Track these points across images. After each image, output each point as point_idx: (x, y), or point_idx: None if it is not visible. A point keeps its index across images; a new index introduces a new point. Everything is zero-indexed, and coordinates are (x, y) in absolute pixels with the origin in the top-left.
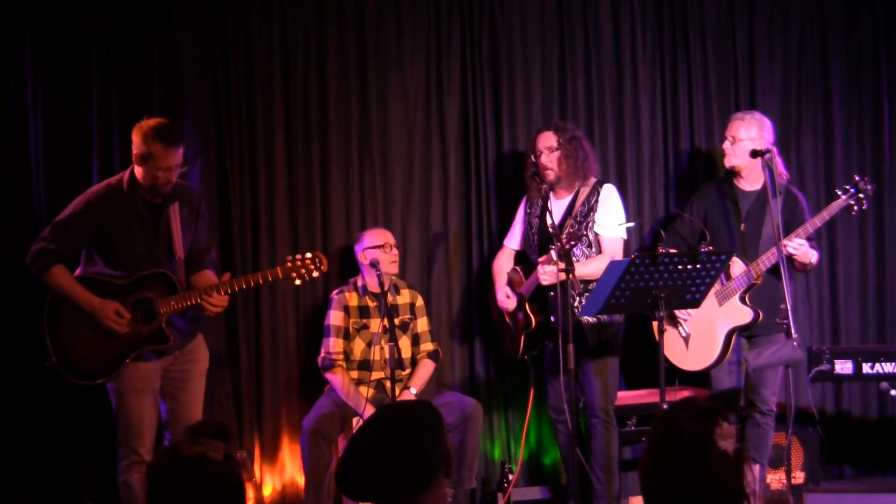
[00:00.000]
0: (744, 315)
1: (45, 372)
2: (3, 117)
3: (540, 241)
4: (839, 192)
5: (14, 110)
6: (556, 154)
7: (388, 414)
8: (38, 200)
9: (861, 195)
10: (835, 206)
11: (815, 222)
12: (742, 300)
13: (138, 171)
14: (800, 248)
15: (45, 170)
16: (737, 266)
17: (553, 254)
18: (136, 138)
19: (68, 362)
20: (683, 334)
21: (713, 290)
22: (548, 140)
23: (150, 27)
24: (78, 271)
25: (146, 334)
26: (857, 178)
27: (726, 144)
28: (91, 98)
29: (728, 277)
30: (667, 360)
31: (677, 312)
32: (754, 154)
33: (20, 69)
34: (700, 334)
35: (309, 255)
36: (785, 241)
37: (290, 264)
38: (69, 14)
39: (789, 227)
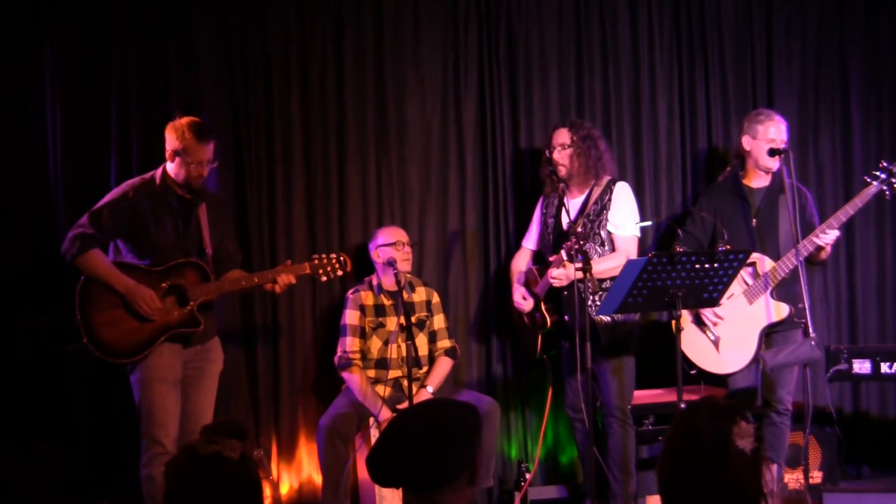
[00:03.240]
0: (779, 311)
1: (71, 354)
2: (21, 115)
3: (554, 241)
4: (868, 179)
5: (32, 108)
6: (569, 151)
7: (424, 409)
8: (57, 197)
9: (893, 179)
10: (867, 193)
11: (848, 210)
12: (772, 295)
13: (171, 167)
14: (832, 238)
15: (63, 167)
16: (765, 263)
17: (563, 253)
18: (169, 135)
19: (99, 341)
20: (712, 338)
21: (742, 290)
22: (561, 136)
23: (168, 27)
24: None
25: (178, 318)
26: (884, 164)
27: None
28: (109, 96)
29: (757, 275)
30: (693, 365)
31: (705, 316)
32: (772, 153)
33: (39, 67)
34: (732, 336)
35: (334, 254)
36: (817, 232)
37: (316, 261)
38: (87, 13)
39: (803, 225)
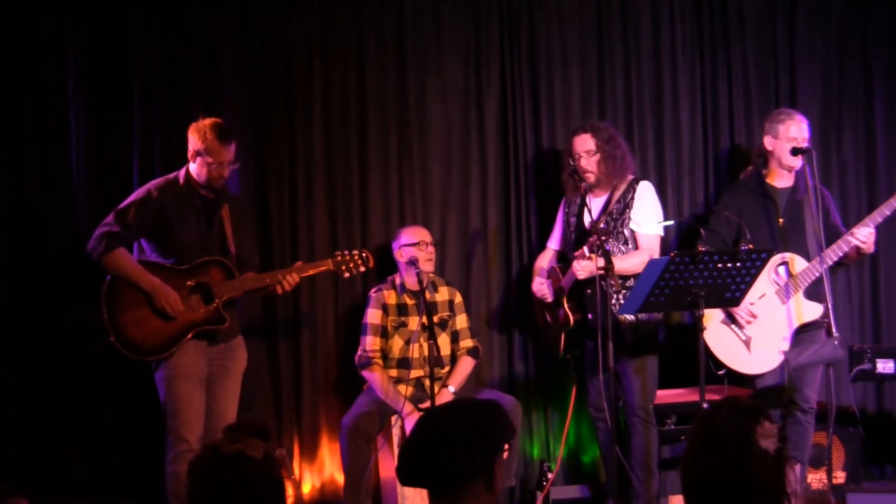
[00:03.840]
0: (813, 311)
1: (96, 353)
2: (44, 115)
3: (577, 240)
4: None
5: (56, 108)
6: (596, 157)
7: (449, 408)
8: (80, 196)
9: None
10: None
11: (884, 211)
12: (804, 296)
13: (193, 167)
14: (869, 238)
15: (86, 166)
16: (798, 262)
17: (586, 249)
18: (191, 136)
19: (126, 339)
20: (744, 337)
21: (774, 290)
22: (585, 143)
23: (190, 27)
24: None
25: (204, 315)
26: None
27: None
28: (132, 96)
29: (790, 275)
30: (722, 366)
31: (738, 315)
32: (795, 151)
33: (61, 66)
34: (764, 335)
35: (356, 251)
36: (854, 231)
37: (339, 258)
38: (109, 13)
39: (830, 224)
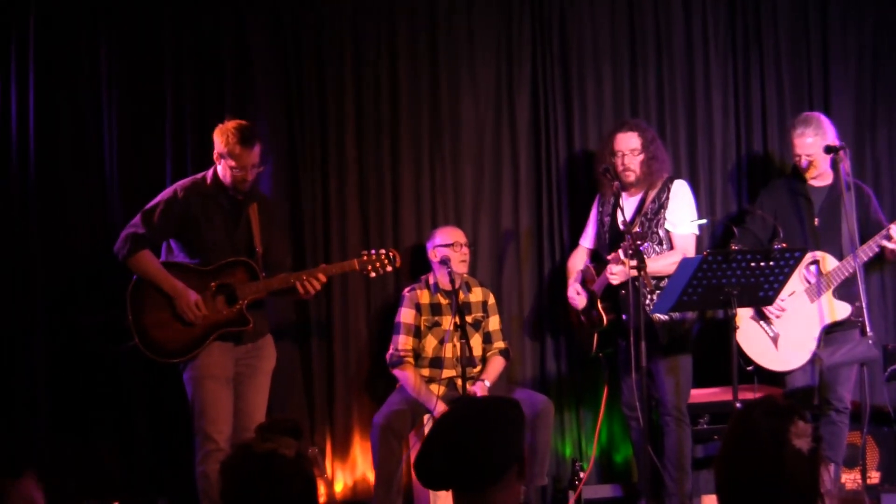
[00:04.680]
0: (841, 310)
1: (125, 354)
2: (78, 118)
3: (611, 239)
4: None
5: (89, 111)
6: (641, 157)
7: (464, 407)
8: (113, 198)
9: None
10: None
11: None
12: (834, 295)
13: (219, 169)
14: None
15: (119, 169)
16: (829, 261)
17: (621, 252)
18: (216, 138)
19: (150, 342)
20: (772, 334)
21: (804, 288)
22: (630, 141)
23: (222, 27)
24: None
25: (227, 316)
26: None
27: (804, 163)
28: (164, 98)
29: (820, 273)
30: (751, 362)
31: (767, 310)
32: (828, 150)
33: (95, 69)
34: (792, 333)
35: (383, 250)
36: (891, 227)
37: (365, 257)
38: (142, 15)
39: (865, 223)
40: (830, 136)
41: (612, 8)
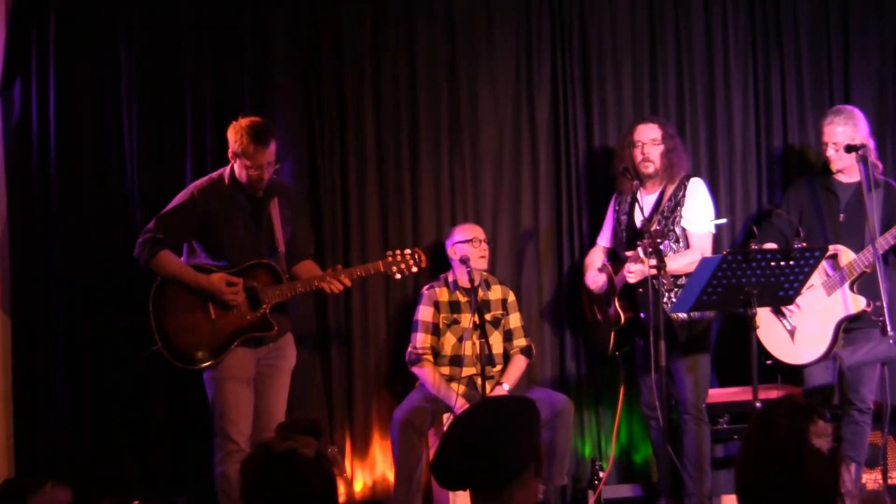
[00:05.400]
0: (856, 303)
1: (147, 359)
2: (98, 114)
3: (628, 238)
4: None
5: (109, 110)
6: (661, 148)
7: (480, 407)
8: (133, 203)
9: None
10: None
11: None
12: (851, 289)
13: (235, 167)
14: None
15: (139, 169)
16: (846, 254)
17: (640, 251)
18: (230, 136)
19: (173, 348)
20: (788, 327)
21: (820, 281)
22: (651, 131)
23: (241, 28)
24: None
25: (251, 321)
26: None
27: (830, 152)
28: (184, 98)
29: (837, 267)
30: (770, 355)
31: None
32: (849, 149)
33: (115, 68)
34: (808, 327)
35: (408, 250)
36: None
37: (390, 258)
38: (161, 13)
39: (892, 221)
40: (862, 130)
41: (631, 6)
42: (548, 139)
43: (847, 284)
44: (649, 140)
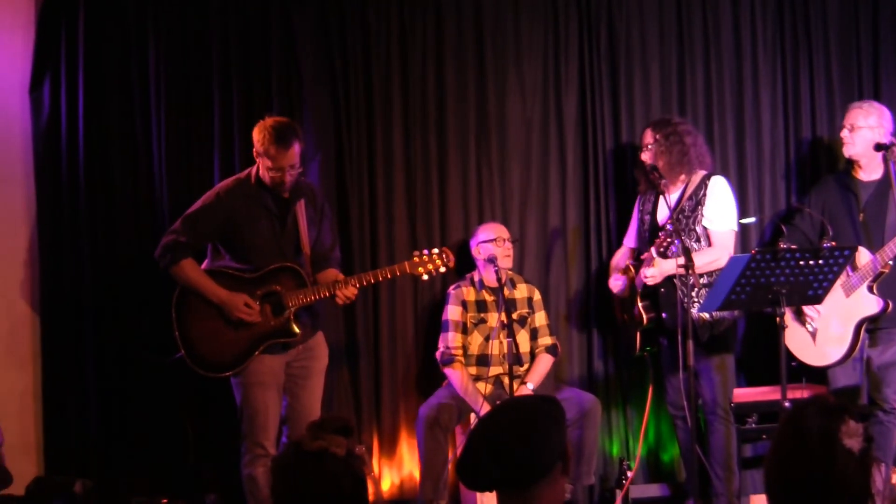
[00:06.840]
0: (872, 305)
1: (172, 365)
2: (127, 117)
3: (650, 238)
4: None
5: (138, 109)
6: (651, 151)
7: (505, 407)
8: (161, 200)
9: None
10: None
11: None
12: (869, 290)
13: (260, 168)
14: None
15: (167, 169)
16: (863, 255)
17: (653, 251)
18: (255, 136)
19: (197, 355)
20: (810, 329)
21: (839, 282)
22: (646, 137)
23: (269, 25)
24: (205, 265)
25: (274, 327)
26: None
27: (844, 133)
28: (212, 97)
29: (854, 268)
30: (794, 357)
31: (805, 309)
32: (878, 147)
33: (143, 68)
34: (829, 328)
35: (436, 250)
36: None
37: (416, 259)
38: (190, 14)
39: None
40: (886, 124)
41: (659, 5)
42: (576, 139)
43: (865, 285)
44: (644, 145)
